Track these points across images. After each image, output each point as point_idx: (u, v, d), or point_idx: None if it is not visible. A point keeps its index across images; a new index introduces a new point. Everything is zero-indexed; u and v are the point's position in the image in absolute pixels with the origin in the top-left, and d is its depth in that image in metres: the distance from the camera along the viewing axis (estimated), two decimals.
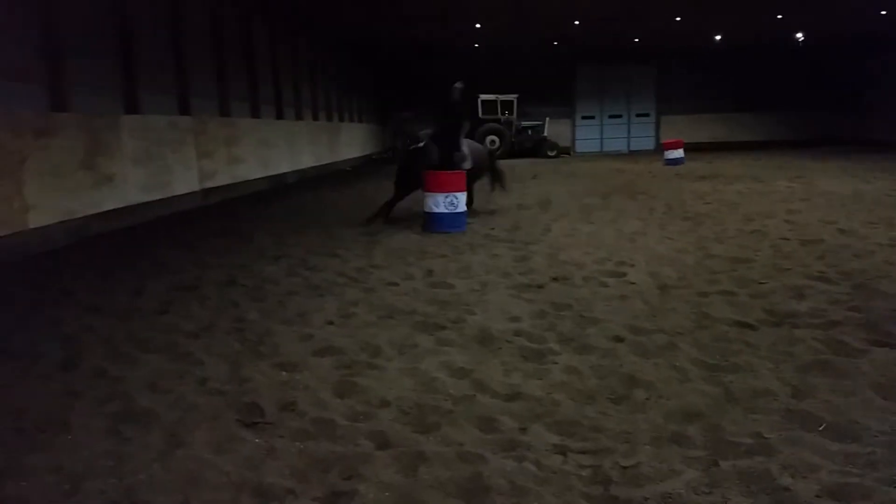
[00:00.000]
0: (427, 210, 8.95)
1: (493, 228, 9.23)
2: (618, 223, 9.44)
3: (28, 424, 3.45)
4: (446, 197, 8.75)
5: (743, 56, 29.34)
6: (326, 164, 21.35)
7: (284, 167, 17.82)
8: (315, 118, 21.03)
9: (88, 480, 2.86)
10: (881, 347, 4.17)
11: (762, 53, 29.01)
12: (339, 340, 4.64)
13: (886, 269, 6.17)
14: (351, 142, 24.98)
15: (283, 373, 4.10)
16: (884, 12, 20.63)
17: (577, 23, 21.69)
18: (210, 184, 13.41)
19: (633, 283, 6.01)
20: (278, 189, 16.28)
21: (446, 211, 8.77)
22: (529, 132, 28.82)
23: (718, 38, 25.51)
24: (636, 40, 26.20)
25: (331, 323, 5.07)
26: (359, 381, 3.91)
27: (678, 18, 21.48)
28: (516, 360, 4.18)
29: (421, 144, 10.23)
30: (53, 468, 2.99)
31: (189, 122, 12.90)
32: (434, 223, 8.85)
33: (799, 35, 25.04)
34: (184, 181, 12.45)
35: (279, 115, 18.07)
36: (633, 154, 29.77)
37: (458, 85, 10.46)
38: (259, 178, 15.97)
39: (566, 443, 3.11)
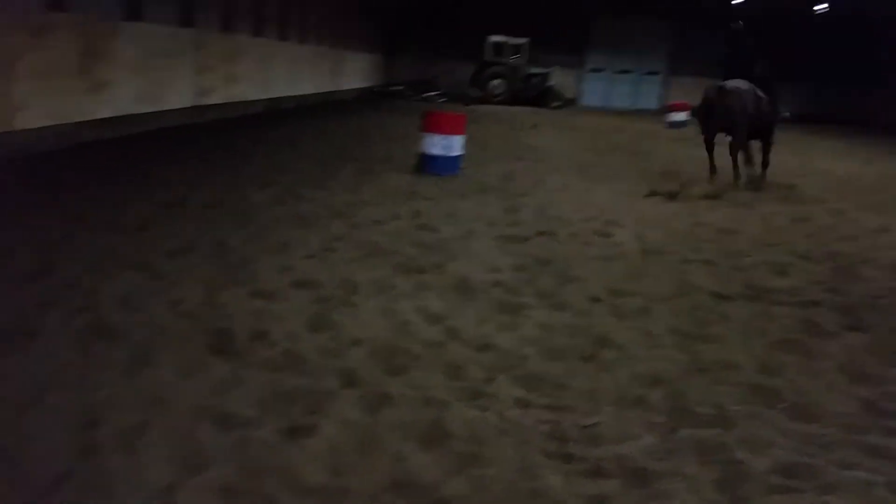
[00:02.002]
0: (422, 151, 8.83)
1: (486, 176, 9.14)
2: (612, 182, 9.37)
3: None
4: (442, 139, 8.62)
5: (760, 24, 28.65)
6: (327, 93, 20.97)
7: (284, 91, 17.48)
8: (319, 43, 20.53)
9: (52, 392, 2.87)
10: (853, 332, 4.20)
11: (782, 23, 28.34)
12: (318, 274, 4.63)
13: (870, 253, 6.17)
14: (354, 72, 24.48)
15: (259, 301, 4.09)
16: None
17: None
18: (206, 101, 13.15)
19: (619, 245, 6.00)
20: (276, 113, 16.00)
21: (441, 153, 8.65)
22: (535, 80, 28.24)
23: (737, 1, 24.89)
24: None
25: (312, 256, 5.05)
26: (333, 316, 3.92)
27: None
28: (492, 310, 4.19)
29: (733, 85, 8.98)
30: (18, 376, 2.99)
31: (189, 34, 12.55)
32: (427, 165, 8.74)
33: (822, 6, 24.43)
34: (179, 95, 12.21)
35: (282, 37, 17.62)
36: (637, 112, 29.41)
37: (737, 25, 10.21)
38: (257, 100, 15.67)
39: (529, 397, 3.13)
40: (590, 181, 9.33)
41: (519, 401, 3.09)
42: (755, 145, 9.40)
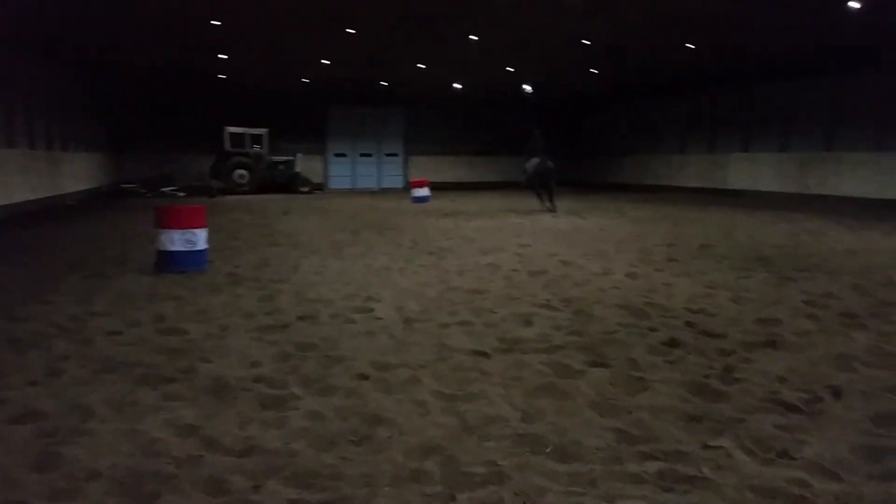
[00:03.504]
0: (161, 248, 8.19)
1: (237, 267, 8.75)
2: (367, 258, 9.51)
3: None
4: (183, 233, 8.10)
5: (482, 104, 31.86)
6: (46, 199, 18.86)
7: None
8: (32, 146, 18.52)
9: None
10: (597, 367, 4.59)
11: (498, 102, 31.76)
12: (42, 403, 3.96)
13: (599, 295, 6.91)
14: (77, 173, 22.38)
15: None
16: (594, 71, 23.79)
17: (326, 62, 21.88)
18: None
19: (380, 318, 6.02)
20: None
21: (183, 249, 8.11)
22: (281, 167, 28.27)
23: (458, 86, 27.40)
24: (384, 84, 27.13)
25: (33, 383, 4.33)
26: (64, 450, 3.35)
27: (421, 66, 22.67)
28: (254, 409, 3.89)
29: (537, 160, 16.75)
30: None
31: None
32: (169, 262, 8.12)
33: (527, 87, 27.85)
34: None
35: None
36: (383, 192, 30.68)
37: (536, 130, 17.63)
38: None
39: (303, 496, 2.91)
40: (346, 260, 9.37)
41: (292, 503, 2.85)
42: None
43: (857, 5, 13.94)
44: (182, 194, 25.74)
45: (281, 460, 3.25)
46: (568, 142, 33.07)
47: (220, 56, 20.65)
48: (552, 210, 16.74)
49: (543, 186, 17.00)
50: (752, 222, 14.29)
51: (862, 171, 19.03)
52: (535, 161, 16.77)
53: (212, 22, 15.97)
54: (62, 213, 17.31)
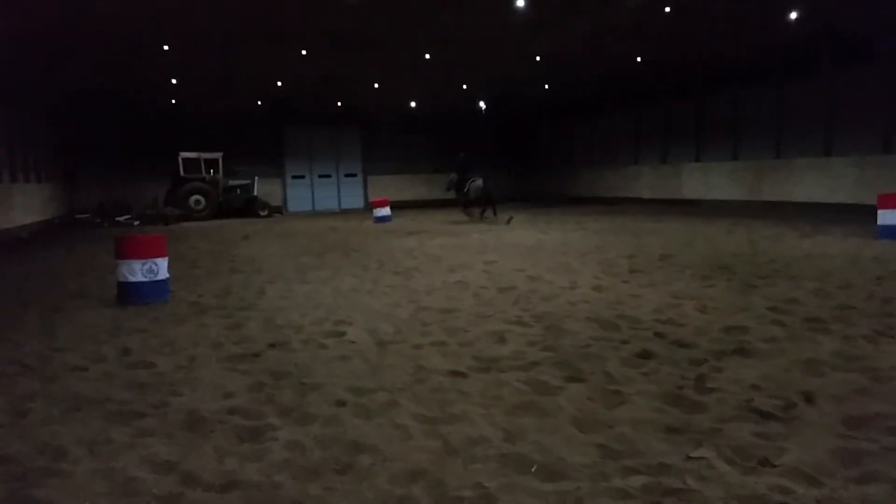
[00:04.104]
0: (121, 279, 8.00)
1: (201, 295, 8.59)
2: (334, 281, 9.43)
3: None
4: (144, 263, 7.91)
5: (438, 121, 32.06)
6: None
7: None
8: None
9: None
10: (574, 382, 4.62)
11: (454, 119, 32.02)
12: (9, 445, 3.81)
13: (569, 309, 6.97)
14: (28, 204, 21.74)
15: None
16: (546, 86, 24.18)
17: (279, 84, 21.78)
18: None
19: (353, 342, 5.96)
20: None
21: (144, 279, 7.93)
22: (238, 191, 27.96)
23: (413, 104, 27.55)
24: (339, 104, 27.11)
25: None
26: (36, 493, 3.23)
27: (376, 85, 22.74)
28: (231, 442, 3.80)
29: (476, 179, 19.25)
30: None
31: None
32: (130, 294, 7.93)
33: (482, 103, 28.16)
34: None
35: None
36: (344, 212, 30.54)
37: (461, 154, 20.83)
38: None
39: None
40: (312, 284, 9.27)
41: None
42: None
43: (795, 15, 14.51)
44: (137, 223, 25.24)
45: (264, 494, 3.18)
46: (523, 156, 33.47)
47: (171, 81, 20.41)
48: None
49: (488, 202, 19.47)
50: (709, 231, 14.62)
51: (812, 177, 19.66)
52: (478, 182, 19.17)
53: (163, 47, 15.79)
54: (16, 246, 16.78)
